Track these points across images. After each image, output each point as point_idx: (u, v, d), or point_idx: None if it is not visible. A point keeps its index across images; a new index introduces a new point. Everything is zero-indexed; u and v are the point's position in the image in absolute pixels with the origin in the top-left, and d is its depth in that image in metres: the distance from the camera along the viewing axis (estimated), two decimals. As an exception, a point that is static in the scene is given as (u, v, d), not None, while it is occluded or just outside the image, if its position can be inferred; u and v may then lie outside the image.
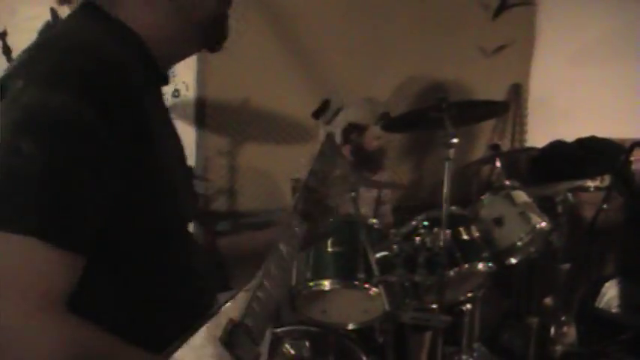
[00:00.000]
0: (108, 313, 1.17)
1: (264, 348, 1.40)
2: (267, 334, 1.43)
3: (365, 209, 3.68)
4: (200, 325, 1.24)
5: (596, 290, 4.09)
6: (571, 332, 3.86)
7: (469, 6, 4.58)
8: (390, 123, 3.51)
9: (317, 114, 1.84)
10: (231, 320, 1.27)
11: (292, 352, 3.00)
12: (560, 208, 3.39)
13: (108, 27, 1.26)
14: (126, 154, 1.13)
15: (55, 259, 1.04)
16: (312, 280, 2.82)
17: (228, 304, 1.31)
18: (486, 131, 4.57)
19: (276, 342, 3.00)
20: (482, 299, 3.38)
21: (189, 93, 4.10)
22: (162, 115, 1.35)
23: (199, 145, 4.18)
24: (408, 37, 4.46)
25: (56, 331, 1.02)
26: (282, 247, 1.49)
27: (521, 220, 3.13)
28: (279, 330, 3.03)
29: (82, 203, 1.08)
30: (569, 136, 4.14)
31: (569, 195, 3.43)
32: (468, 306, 3.31)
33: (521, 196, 3.21)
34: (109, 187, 1.11)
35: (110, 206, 1.12)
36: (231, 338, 1.24)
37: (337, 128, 1.85)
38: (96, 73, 1.12)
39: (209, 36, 1.41)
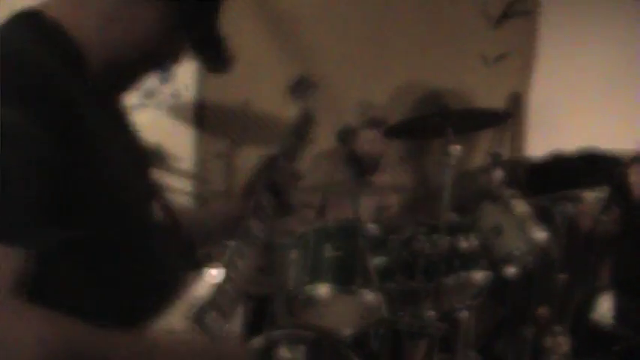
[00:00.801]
0: (73, 299, 1.22)
1: (235, 326, 1.42)
2: (239, 312, 1.45)
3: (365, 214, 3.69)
4: (168, 306, 1.28)
5: (591, 302, 4.09)
6: (565, 343, 3.86)
7: (470, 14, 4.58)
8: (390, 130, 3.51)
9: (291, 90, 1.85)
10: (200, 299, 1.29)
11: (288, 356, 2.99)
12: (558, 219, 3.39)
13: (41, 33, 1.29)
14: (67, 154, 1.18)
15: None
16: (309, 285, 2.81)
17: (198, 283, 1.35)
18: (485, 140, 4.57)
19: (272, 346, 2.99)
20: (478, 308, 3.37)
21: (188, 94, 4.10)
22: (103, 112, 1.36)
23: (197, 147, 4.18)
24: (408, 44, 4.46)
25: (10, 322, 1.06)
26: (252, 223, 1.51)
27: (520, 230, 3.13)
28: (274, 334, 3.02)
29: (24, 205, 1.13)
30: (569, 146, 4.15)
31: (568, 206, 3.43)
32: (464, 314, 3.30)
33: (520, 205, 3.21)
34: (51, 186, 1.16)
35: (60, 202, 1.17)
36: (201, 317, 1.28)
37: (312, 105, 1.87)
38: (30, 85, 1.18)
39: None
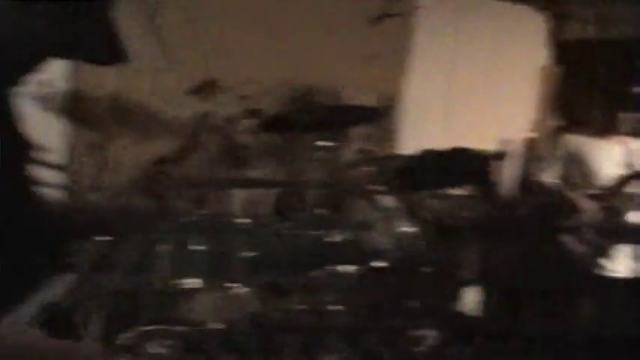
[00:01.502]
0: None
1: (93, 332, 1.39)
2: (97, 312, 1.42)
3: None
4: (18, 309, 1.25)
5: (457, 294, 4.22)
6: (432, 335, 3.97)
7: (349, 12, 4.64)
8: (263, 123, 3.53)
9: (197, 91, 1.79)
10: (48, 303, 1.27)
11: (157, 351, 2.96)
12: (425, 215, 3.49)
13: None
14: None
15: None
16: (178, 279, 2.80)
17: (54, 285, 1.32)
18: (358, 136, 4.63)
19: (141, 341, 2.95)
20: (349, 301, 3.42)
21: (59, 84, 4.00)
22: None
23: (68, 139, 4.08)
24: (286, 41, 4.48)
25: None
26: (126, 221, 1.47)
27: (388, 225, 3.21)
28: (143, 329, 2.98)
29: None
30: (438, 145, 4.26)
31: (435, 202, 3.54)
32: (335, 307, 3.35)
33: (389, 201, 3.29)
34: None
35: None
36: (45, 320, 1.25)
37: (220, 107, 1.81)
38: None
39: None
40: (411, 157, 4.18)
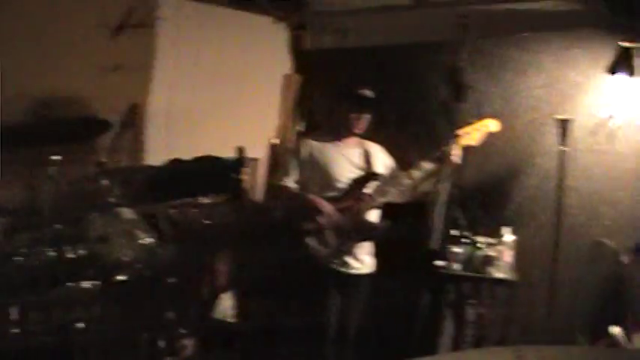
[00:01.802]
0: None
1: None
2: None
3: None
4: None
5: (211, 301, 4.28)
6: (189, 344, 3.99)
7: (88, 23, 4.54)
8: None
9: None
10: None
11: None
12: (166, 224, 3.50)
13: None
14: None
15: None
16: None
17: None
18: (104, 149, 4.54)
19: None
20: (99, 318, 3.35)
21: None
22: None
23: None
24: (23, 50, 4.30)
25: None
26: None
27: (126, 237, 3.19)
28: None
29: None
30: (188, 154, 4.29)
31: (178, 211, 3.56)
32: (80, 325, 3.27)
33: (126, 213, 3.27)
34: None
35: None
36: None
37: None
38: None
39: None
40: (157, 168, 4.18)
